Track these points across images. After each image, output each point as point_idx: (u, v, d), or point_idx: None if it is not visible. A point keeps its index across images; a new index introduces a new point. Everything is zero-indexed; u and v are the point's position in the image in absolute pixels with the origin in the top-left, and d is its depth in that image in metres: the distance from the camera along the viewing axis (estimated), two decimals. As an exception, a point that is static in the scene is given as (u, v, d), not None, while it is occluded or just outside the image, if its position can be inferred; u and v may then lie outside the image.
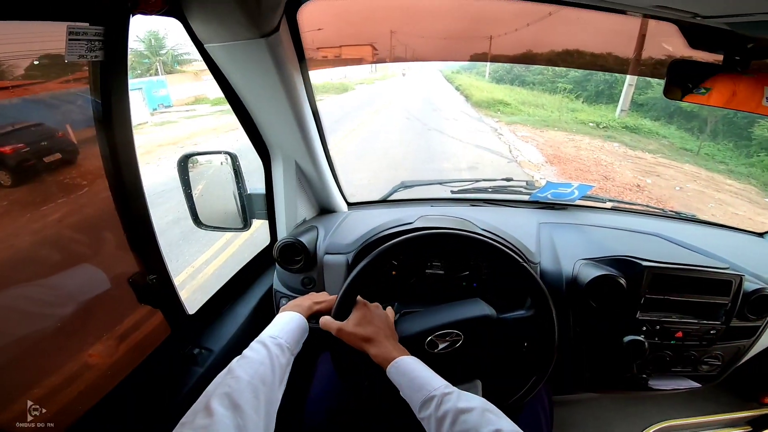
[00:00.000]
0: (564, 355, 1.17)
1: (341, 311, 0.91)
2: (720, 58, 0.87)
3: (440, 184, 1.71)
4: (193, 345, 1.07)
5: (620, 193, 6.58)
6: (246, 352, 0.75)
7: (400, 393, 0.78)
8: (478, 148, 8.65)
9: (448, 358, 0.91)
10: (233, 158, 1.26)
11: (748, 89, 0.86)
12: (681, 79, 0.90)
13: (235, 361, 0.72)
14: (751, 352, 1.18)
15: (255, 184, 1.35)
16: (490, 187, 1.65)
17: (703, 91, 0.88)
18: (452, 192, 1.66)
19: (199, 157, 1.27)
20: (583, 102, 14.20)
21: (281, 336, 0.80)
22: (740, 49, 0.82)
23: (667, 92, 0.92)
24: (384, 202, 1.67)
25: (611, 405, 1.60)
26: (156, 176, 6.68)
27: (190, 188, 1.24)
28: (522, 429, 0.62)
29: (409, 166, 7.28)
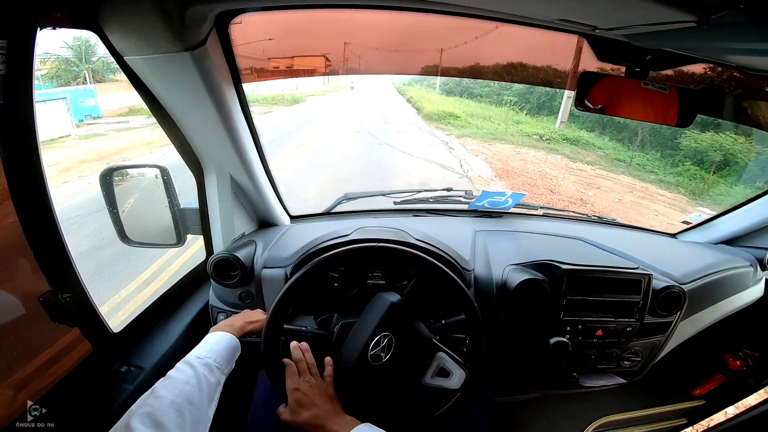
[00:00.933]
0: (499, 357, 1.22)
1: (270, 334, 0.92)
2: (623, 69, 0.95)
3: (383, 195, 1.74)
4: (121, 362, 1.04)
5: (566, 207, 6.75)
6: (171, 372, 0.75)
7: None
8: (429, 163, 8.73)
9: (394, 363, 0.93)
10: (164, 172, 1.21)
11: (646, 99, 0.95)
12: (589, 90, 0.96)
13: (159, 382, 0.72)
14: (668, 346, 1.29)
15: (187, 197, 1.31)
16: (431, 198, 1.71)
17: (607, 102, 0.97)
18: (395, 203, 1.69)
19: (127, 171, 1.21)
20: (526, 114, 14.27)
21: (209, 356, 0.80)
22: (640, 61, 0.91)
23: (578, 104, 0.99)
24: (327, 214, 1.67)
25: (555, 404, 1.68)
26: (74, 197, 5.86)
27: (115, 205, 1.17)
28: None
29: (358, 183, 7.15)
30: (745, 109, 1.19)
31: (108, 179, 1.14)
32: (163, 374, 0.73)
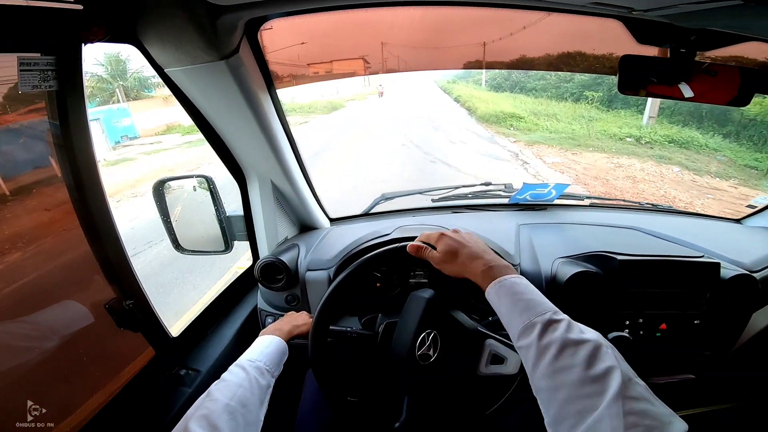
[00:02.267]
0: None
1: (317, 336, 0.92)
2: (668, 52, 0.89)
3: (420, 193, 1.73)
4: (180, 366, 1.09)
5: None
6: (225, 375, 0.77)
7: (499, 317, 0.69)
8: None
9: (445, 358, 0.90)
10: (209, 181, 1.27)
11: (698, 79, 0.89)
12: (633, 74, 0.91)
13: (214, 385, 0.74)
14: (740, 340, 1.18)
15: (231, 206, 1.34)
16: (470, 193, 1.67)
17: (655, 86, 0.90)
18: (433, 200, 1.67)
19: (174, 182, 1.28)
20: (598, 109, 11.92)
21: (260, 359, 0.83)
22: (684, 42, 0.84)
23: (622, 88, 0.93)
24: (366, 215, 1.67)
25: None
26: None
27: (168, 214, 1.24)
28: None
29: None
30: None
31: (160, 190, 1.22)
32: (218, 376, 0.76)
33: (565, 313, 1.08)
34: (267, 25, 0.95)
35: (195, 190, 1.30)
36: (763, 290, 1.09)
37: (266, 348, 0.88)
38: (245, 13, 0.82)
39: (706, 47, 0.86)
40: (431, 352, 0.90)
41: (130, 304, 0.89)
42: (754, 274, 1.07)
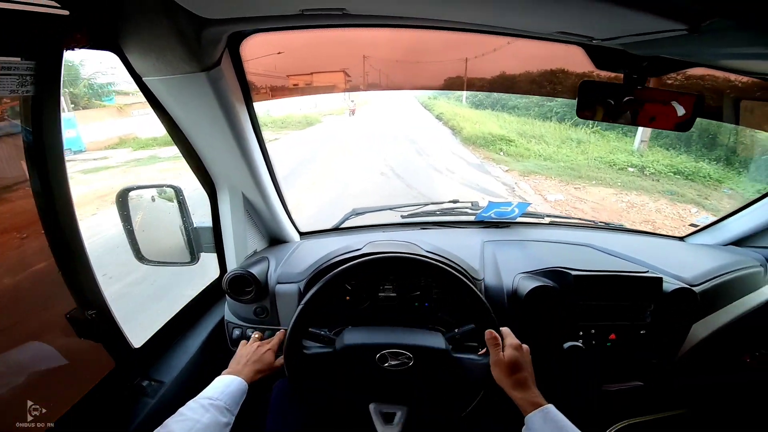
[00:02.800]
0: None
1: (292, 352, 0.95)
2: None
3: (390, 209, 1.77)
4: (142, 377, 1.07)
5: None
6: (182, 409, 0.79)
7: None
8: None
9: (395, 375, 0.96)
10: (177, 192, 1.24)
11: (647, 105, 0.96)
12: (591, 98, 0.97)
13: (171, 418, 0.76)
14: (683, 348, 1.29)
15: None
16: (438, 210, 1.73)
17: (607, 110, 0.98)
18: (402, 217, 1.71)
19: (139, 191, 1.23)
20: (582, 130, 10.83)
21: (221, 398, 0.85)
22: (637, 68, 0.93)
23: (580, 111, 0.99)
24: (336, 230, 1.68)
25: (573, 408, 1.65)
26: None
27: (130, 224, 1.20)
28: None
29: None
30: (743, 110, 1.22)
31: (124, 199, 1.17)
32: (183, 388, 0.76)
33: (525, 324, 1.14)
34: (249, 37, 0.96)
35: (153, 200, 1.27)
36: (702, 303, 1.21)
37: (227, 387, 0.89)
38: (230, 27, 0.83)
39: (656, 73, 0.95)
40: (393, 362, 0.95)
41: (92, 314, 0.87)
42: (694, 288, 1.19)
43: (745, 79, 1.20)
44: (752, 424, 1.44)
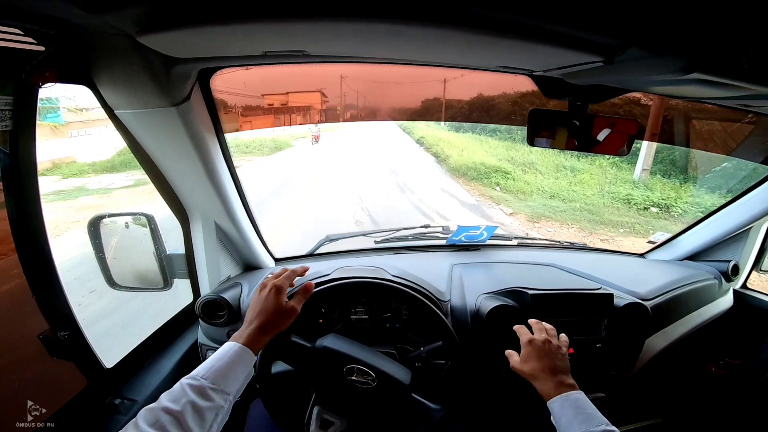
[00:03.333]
0: (477, 380, 1.27)
1: (263, 374, 1.00)
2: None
3: (364, 235, 1.82)
4: (114, 396, 1.08)
5: None
6: (163, 394, 0.69)
7: (558, 421, 0.82)
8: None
9: (355, 391, 1.00)
10: (150, 220, 1.27)
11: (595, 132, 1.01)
12: (540, 126, 1.04)
13: (145, 408, 0.67)
14: (642, 359, 1.35)
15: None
16: (410, 235, 1.79)
17: (554, 138, 1.04)
18: (375, 242, 1.76)
19: (111, 219, 1.26)
20: (572, 156, 9.60)
21: (206, 376, 0.72)
22: (578, 95, 1.00)
23: (530, 139, 1.06)
24: (310, 255, 1.72)
25: (534, 422, 1.66)
26: None
27: (102, 251, 1.22)
28: None
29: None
30: (690, 131, 1.31)
31: (95, 227, 1.20)
32: None
33: (488, 340, 1.19)
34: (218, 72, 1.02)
35: (127, 227, 1.29)
36: (657, 316, 1.28)
37: (218, 361, 0.76)
38: (198, 64, 0.89)
39: (597, 99, 1.01)
40: (357, 378, 0.99)
41: (65, 335, 0.90)
42: (647, 303, 1.26)
43: (686, 103, 1.31)
44: (727, 429, 1.48)
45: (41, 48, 0.68)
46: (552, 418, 0.84)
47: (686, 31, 0.55)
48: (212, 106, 1.10)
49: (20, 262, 0.80)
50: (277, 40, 0.74)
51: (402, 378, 1.01)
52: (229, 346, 0.80)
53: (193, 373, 0.74)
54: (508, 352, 1.01)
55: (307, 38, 0.72)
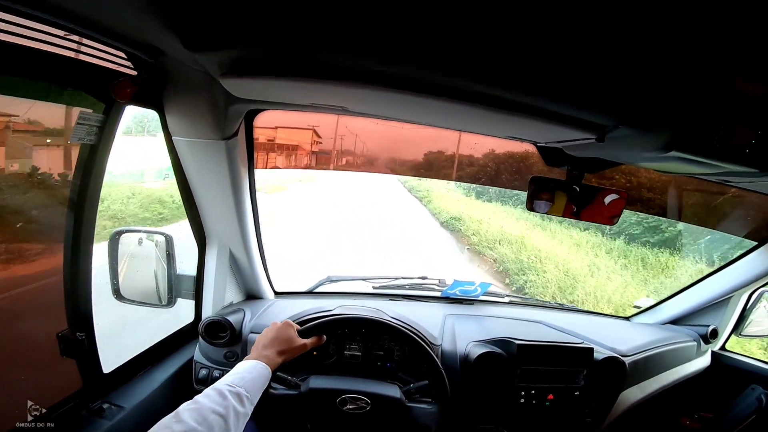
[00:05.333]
0: (463, 419, 1.31)
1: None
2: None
3: (363, 280, 1.89)
4: (102, 401, 1.07)
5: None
6: (198, 397, 0.73)
7: None
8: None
9: (352, 418, 1.05)
10: (168, 240, 1.34)
11: (593, 201, 1.09)
12: (540, 193, 1.10)
13: (185, 405, 0.70)
14: (619, 409, 1.42)
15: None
16: (407, 284, 1.86)
17: (552, 204, 1.09)
18: (374, 287, 1.83)
19: (133, 234, 1.33)
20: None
21: (241, 384, 0.78)
22: (576, 165, 1.09)
23: (530, 205, 1.12)
24: (310, 293, 1.77)
25: None
26: None
27: (117, 262, 1.27)
28: None
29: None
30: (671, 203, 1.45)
31: (116, 239, 1.26)
32: (142, 415, 0.75)
33: (475, 383, 1.30)
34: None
35: (141, 243, 1.33)
36: (635, 370, 1.37)
37: (248, 373, 0.82)
38: (252, 105, 1.03)
39: (593, 170, 1.12)
40: (351, 406, 1.06)
41: (82, 336, 0.92)
42: (626, 358, 1.35)
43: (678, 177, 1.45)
44: None
45: (134, 72, 0.80)
46: None
47: (666, 114, 0.66)
48: (251, 144, 1.23)
49: (64, 262, 0.86)
50: (324, 96, 0.88)
51: (393, 393, 1.08)
52: (254, 363, 0.86)
53: (228, 380, 0.80)
54: None
55: (348, 99, 0.87)
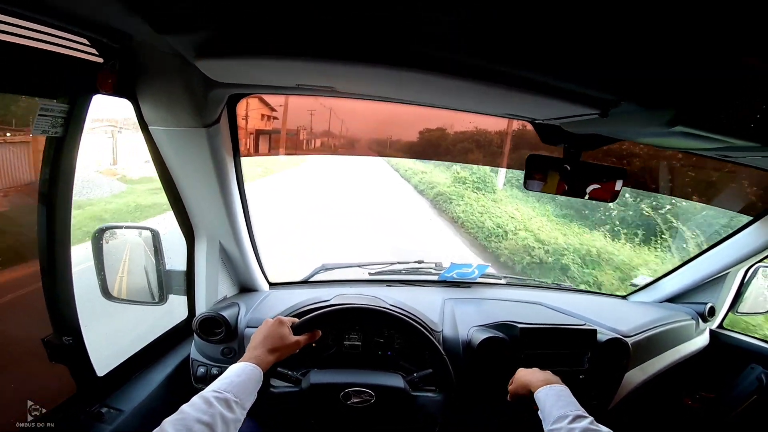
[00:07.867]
0: (467, 407, 1.30)
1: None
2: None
3: (359, 266, 1.85)
4: (101, 405, 1.05)
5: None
6: (184, 407, 0.71)
7: (542, 408, 0.92)
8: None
9: (357, 412, 1.03)
10: (154, 235, 1.29)
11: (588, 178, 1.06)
12: (536, 171, 1.07)
13: (171, 416, 0.69)
14: (622, 391, 1.41)
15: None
16: (403, 269, 1.83)
17: (546, 183, 1.07)
18: (369, 274, 1.80)
19: (116, 231, 1.27)
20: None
21: (229, 390, 0.76)
22: (573, 142, 1.07)
23: (527, 183, 1.09)
24: (305, 282, 1.74)
25: None
26: None
27: (102, 261, 1.22)
28: None
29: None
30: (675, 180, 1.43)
31: (99, 237, 1.20)
32: (142, 418, 0.74)
33: (478, 369, 1.28)
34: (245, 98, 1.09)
35: (129, 239, 1.30)
36: (637, 351, 1.36)
37: (237, 377, 0.80)
38: (233, 89, 0.97)
39: (591, 147, 1.09)
40: (355, 400, 1.03)
41: (69, 340, 0.89)
42: (628, 339, 1.34)
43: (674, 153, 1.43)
44: None
45: (100, 60, 0.74)
46: (540, 411, 0.93)
47: (672, 89, 0.64)
48: (235, 131, 1.16)
49: (40, 266, 0.82)
50: (312, 76, 0.82)
51: (397, 384, 1.06)
52: (244, 365, 0.84)
53: (215, 386, 0.77)
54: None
55: (338, 77, 0.81)
